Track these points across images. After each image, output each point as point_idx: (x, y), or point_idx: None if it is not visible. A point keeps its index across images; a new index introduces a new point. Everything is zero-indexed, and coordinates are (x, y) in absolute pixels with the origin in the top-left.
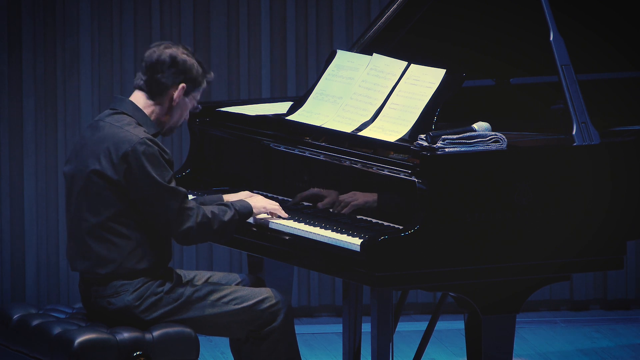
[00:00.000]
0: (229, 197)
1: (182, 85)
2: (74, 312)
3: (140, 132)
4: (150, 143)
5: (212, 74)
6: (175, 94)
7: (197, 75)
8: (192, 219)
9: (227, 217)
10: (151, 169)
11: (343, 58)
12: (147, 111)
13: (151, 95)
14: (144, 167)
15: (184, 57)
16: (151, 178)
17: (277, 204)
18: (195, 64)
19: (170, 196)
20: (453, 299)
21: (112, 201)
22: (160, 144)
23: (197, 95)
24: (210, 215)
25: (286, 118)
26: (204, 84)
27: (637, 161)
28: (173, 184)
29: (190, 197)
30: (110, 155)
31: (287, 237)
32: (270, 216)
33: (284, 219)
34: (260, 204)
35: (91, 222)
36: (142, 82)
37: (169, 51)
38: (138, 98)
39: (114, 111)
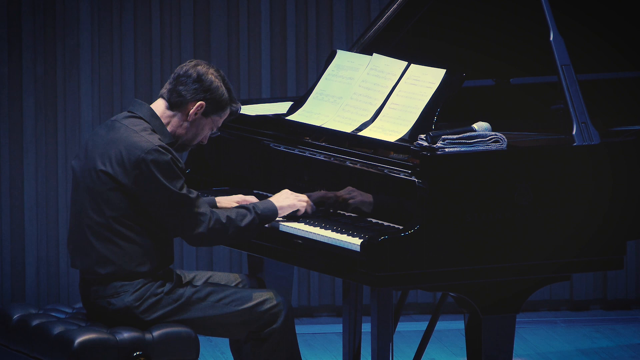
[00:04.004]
0: (221, 201)
1: (201, 102)
2: (74, 312)
3: (154, 139)
4: (163, 151)
5: (239, 104)
6: (192, 110)
7: (220, 98)
8: (203, 225)
9: (244, 223)
10: (162, 177)
11: (343, 58)
12: (164, 120)
13: (170, 105)
14: (155, 175)
15: (212, 77)
16: (162, 186)
17: (306, 200)
18: (222, 88)
19: (182, 203)
20: (453, 299)
21: (118, 203)
22: (174, 152)
23: (218, 120)
24: (224, 221)
25: (286, 118)
26: (227, 111)
27: (637, 161)
28: (184, 190)
29: None
30: (122, 159)
31: (287, 237)
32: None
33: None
34: (287, 203)
35: (94, 220)
36: (166, 90)
37: (199, 68)
38: (158, 106)
39: (131, 114)
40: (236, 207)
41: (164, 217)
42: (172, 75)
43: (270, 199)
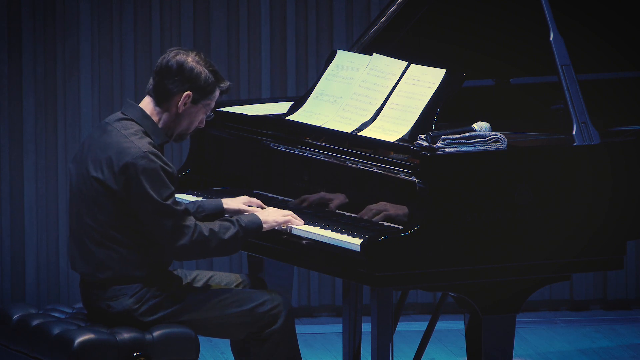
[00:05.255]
0: (228, 202)
1: (187, 93)
2: (74, 312)
3: (144, 145)
4: (152, 157)
5: (227, 82)
6: (180, 102)
7: (205, 84)
8: (186, 237)
9: (227, 235)
10: (148, 185)
11: (343, 58)
12: (155, 118)
13: (158, 101)
14: (141, 183)
15: (192, 64)
16: (147, 195)
17: (290, 213)
18: (205, 73)
19: (166, 214)
20: (453, 299)
21: (110, 209)
22: (164, 157)
23: (209, 102)
24: (207, 234)
25: (286, 118)
26: (216, 93)
27: (637, 161)
28: (170, 202)
29: (191, 197)
30: (112, 165)
31: (287, 237)
32: (285, 228)
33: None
34: (271, 218)
35: (91, 226)
36: (151, 87)
37: (178, 57)
38: (147, 104)
39: (124, 117)
40: (220, 219)
41: (149, 226)
42: (154, 68)
43: (256, 212)
